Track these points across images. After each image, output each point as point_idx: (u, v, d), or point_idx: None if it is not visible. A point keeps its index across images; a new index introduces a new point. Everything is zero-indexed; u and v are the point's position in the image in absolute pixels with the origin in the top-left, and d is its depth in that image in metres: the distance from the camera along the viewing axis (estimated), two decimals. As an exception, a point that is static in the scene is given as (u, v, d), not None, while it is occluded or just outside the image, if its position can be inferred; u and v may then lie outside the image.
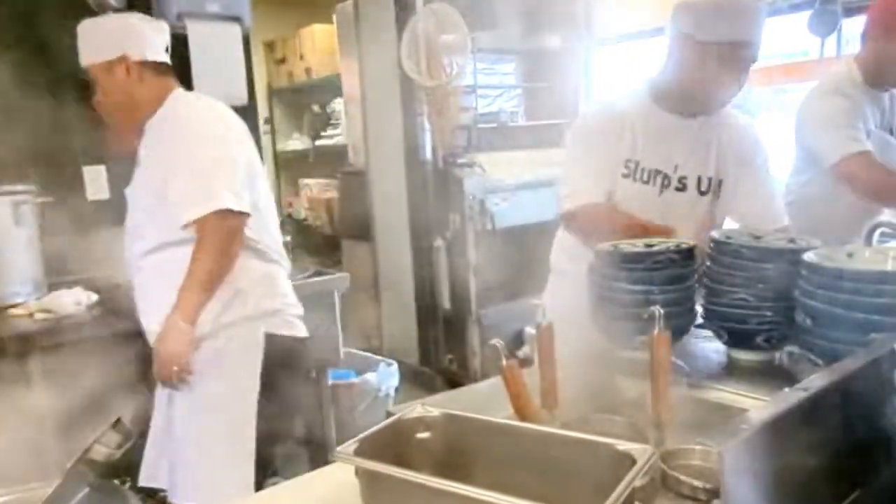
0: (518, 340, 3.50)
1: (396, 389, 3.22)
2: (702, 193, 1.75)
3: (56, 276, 2.36)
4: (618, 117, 1.74)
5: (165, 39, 1.90)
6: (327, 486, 1.05)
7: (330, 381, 2.77)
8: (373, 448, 0.87)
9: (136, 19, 1.88)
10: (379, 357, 3.37)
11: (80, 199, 1.91)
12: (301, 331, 1.97)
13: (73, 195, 1.94)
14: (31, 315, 2.05)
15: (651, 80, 1.77)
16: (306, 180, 4.89)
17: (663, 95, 1.72)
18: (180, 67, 2.47)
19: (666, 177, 1.73)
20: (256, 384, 1.82)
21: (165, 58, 1.89)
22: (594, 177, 1.72)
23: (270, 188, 2.05)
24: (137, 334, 2.16)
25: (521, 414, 1.01)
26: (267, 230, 1.90)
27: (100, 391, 2.12)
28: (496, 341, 0.99)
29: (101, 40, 1.83)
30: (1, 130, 1.98)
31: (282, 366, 1.88)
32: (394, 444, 0.91)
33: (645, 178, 1.72)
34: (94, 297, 2.18)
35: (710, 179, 1.75)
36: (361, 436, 0.88)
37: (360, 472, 0.84)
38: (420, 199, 3.80)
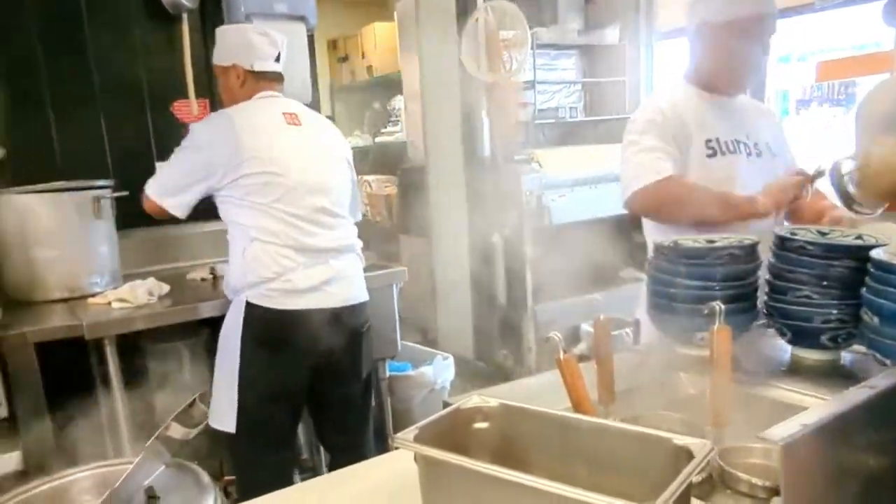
0: (574, 337, 3.49)
1: (451, 383, 3.26)
2: (772, 156, 1.91)
3: (130, 267, 2.48)
4: (674, 107, 1.87)
5: (276, 50, 2.15)
6: (388, 472, 1.09)
7: (387, 373, 2.83)
8: (431, 436, 0.89)
9: (252, 33, 2.15)
10: (435, 350, 3.41)
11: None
12: (286, 305, 2.04)
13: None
14: (108, 304, 2.16)
15: (686, 75, 1.95)
16: (366, 177, 4.97)
17: (702, 83, 1.90)
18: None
19: (745, 144, 1.88)
20: (237, 345, 2.02)
21: (273, 66, 2.15)
22: (663, 160, 1.81)
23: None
24: (202, 322, 2.26)
25: (578, 407, 1.02)
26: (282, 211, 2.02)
27: (169, 375, 2.23)
28: (554, 334, 1.00)
29: (221, 48, 2.17)
30: (81, 129, 2.10)
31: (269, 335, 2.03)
32: (451, 433, 0.93)
33: (731, 147, 1.85)
34: (166, 288, 2.28)
35: (767, 144, 1.91)
36: (421, 423, 0.91)
37: (419, 458, 0.87)
38: (478, 195, 3.82)
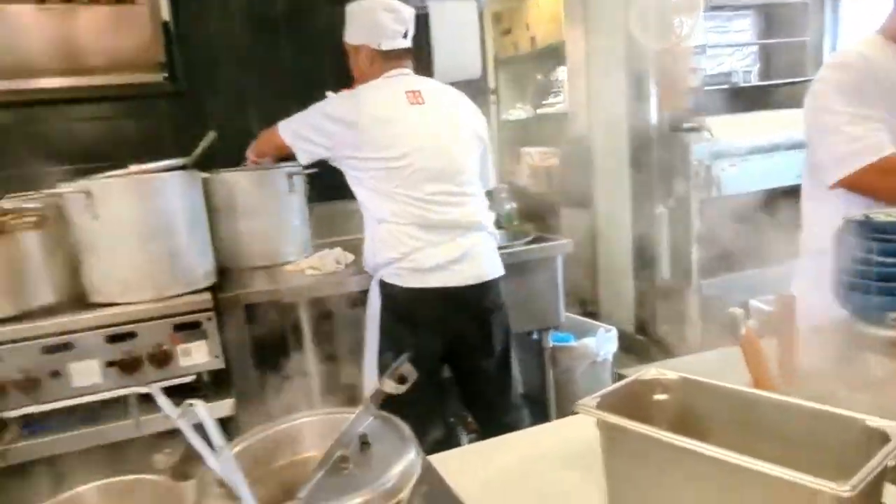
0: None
1: (614, 355, 3.26)
2: None
3: (319, 238, 2.73)
4: (869, 64, 1.67)
5: (404, 27, 2.18)
6: (563, 437, 1.16)
7: (550, 343, 2.90)
8: (611, 404, 0.94)
9: (380, 11, 2.17)
10: (598, 323, 3.43)
11: (336, 170, 2.20)
12: (413, 283, 2.12)
13: (331, 166, 2.23)
14: (302, 271, 2.40)
15: (882, 29, 1.73)
16: (527, 148, 5.01)
17: None
18: (421, 45, 2.70)
19: None
20: (376, 321, 2.18)
21: (402, 44, 2.18)
22: (880, 130, 1.64)
23: (459, 158, 2.20)
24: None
25: (759, 384, 1.03)
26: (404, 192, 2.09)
27: (353, 336, 2.43)
28: (734, 309, 1.01)
29: (351, 27, 2.23)
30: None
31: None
32: (631, 403, 0.98)
33: None
34: (351, 257, 2.49)
35: None
36: (601, 392, 0.97)
37: (601, 425, 0.93)
38: (643, 166, 3.74)
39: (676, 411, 0.99)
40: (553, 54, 4.54)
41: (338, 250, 2.47)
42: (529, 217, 4.68)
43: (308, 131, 2.18)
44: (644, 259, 3.87)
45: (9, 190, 2.18)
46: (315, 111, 2.18)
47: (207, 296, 2.12)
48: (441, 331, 2.14)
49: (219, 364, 2.15)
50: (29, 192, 2.17)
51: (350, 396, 2.32)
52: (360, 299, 2.50)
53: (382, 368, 2.17)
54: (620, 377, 1.07)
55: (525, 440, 1.20)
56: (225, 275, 2.39)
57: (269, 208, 2.50)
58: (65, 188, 1.95)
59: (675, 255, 3.69)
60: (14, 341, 1.90)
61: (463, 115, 2.24)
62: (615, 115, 3.85)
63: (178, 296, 2.09)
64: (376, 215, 2.13)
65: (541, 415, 2.98)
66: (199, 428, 0.89)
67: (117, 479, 1.00)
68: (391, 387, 0.94)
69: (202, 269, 2.20)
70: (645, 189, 3.76)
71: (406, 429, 1.03)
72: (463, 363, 2.27)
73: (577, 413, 0.93)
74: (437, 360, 2.23)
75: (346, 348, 2.68)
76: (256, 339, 2.26)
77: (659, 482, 0.87)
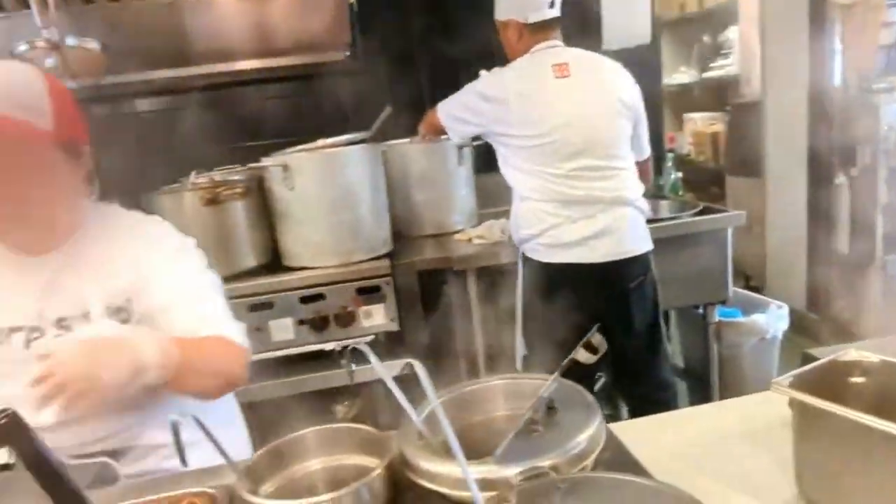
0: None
1: (784, 334, 3.11)
2: None
3: (484, 208, 2.82)
4: None
5: None
6: (747, 414, 1.16)
7: (716, 318, 2.82)
8: (805, 384, 0.94)
9: None
10: (768, 299, 3.27)
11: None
12: (551, 258, 2.14)
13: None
14: (469, 240, 2.51)
15: None
16: (690, 114, 4.81)
17: None
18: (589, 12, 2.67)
19: None
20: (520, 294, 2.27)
21: (549, 14, 2.17)
22: None
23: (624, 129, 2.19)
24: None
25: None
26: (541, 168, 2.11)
27: (523, 304, 2.49)
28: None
29: (499, 2, 2.24)
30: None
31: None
32: (824, 384, 0.96)
33: None
34: (516, 226, 2.55)
35: None
36: (795, 372, 0.96)
37: (795, 405, 0.93)
38: (822, 131, 3.49)
39: (875, 396, 0.97)
40: (723, 14, 4.30)
41: (503, 220, 2.54)
42: (691, 186, 4.52)
43: (461, 111, 2.26)
44: (819, 232, 3.63)
45: (217, 165, 2.45)
46: (468, 90, 2.25)
47: (386, 262, 2.28)
48: (579, 306, 2.12)
49: (394, 326, 2.32)
50: (234, 166, 2.43)
51: (511, 362, 2.41)
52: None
53: (526, 339, 2.23)
54: (809, 358, 1.06)
55: (707, 415, 1.21)
56: (399, 242, 2.54)
57: (439, 179, 2.62)
58: (266, 161, 2.17)
59: (857, 228, 3.43)
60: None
61: (612, 85, 2.19)
62: (793, 76, 3.60)
63: (361, 262, 2.27)
64: (519, 192, 2.18)
65: (702, 391, 2.92)
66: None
67: (332, 426, 1.14)
68: (584, 356, 1.00)
69: (381, 236, 2.36)
70: (823, 156, 3.51)
71: (589, 396, 1.09)
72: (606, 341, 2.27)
73: (758, 392, 0.93)
74: (577, 340, 2.24)
75: (507, 316, 2.77)
76: (426, 303, 2.39)
77: (855, 468, 0.86)
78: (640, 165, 2.30)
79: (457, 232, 2.62)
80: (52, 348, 1.08)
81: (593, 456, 0.98)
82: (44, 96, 1.15)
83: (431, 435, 1.04)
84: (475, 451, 0.97)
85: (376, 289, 2.26)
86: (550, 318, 2.06)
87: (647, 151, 2.37)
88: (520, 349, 2.30)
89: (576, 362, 1.06)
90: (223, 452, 0.96)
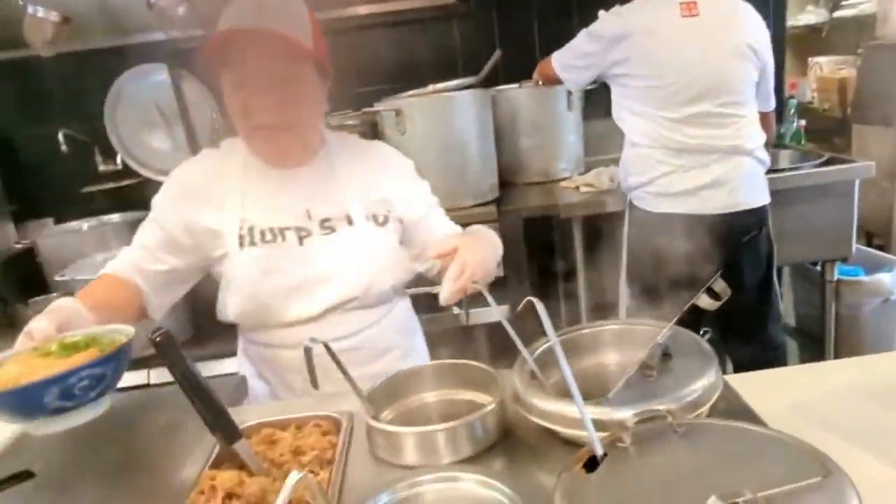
0: None
1: (911, 296, 2.92)
2: None
3: (591, 155, 2.77)
4: None
5: None
6: (876, 372, 1.12)
7: (835, 276, 2.68)
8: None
9: None
10: (892, 257, 3.07)
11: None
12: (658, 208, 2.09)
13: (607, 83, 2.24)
14: (577, 188, 2.48)
15: None
16: (816, 58, 4.47)
17: None
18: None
19: None
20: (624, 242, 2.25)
21: None
22: None
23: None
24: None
25: None
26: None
27: (629, 253, 2.45)
28: None
29: None
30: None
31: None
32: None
33: None
34: (624, 175, 2.50)
35: None
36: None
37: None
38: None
39: None
40: (862, -54, 3.94)
41: (612, 168, 2.49)
42: (812, 136, 4.25)
43: (575, 59, 2.21)
44: (960, 187, 3.33)
45: (331, 111, 2.51)
46: (583, 34, 2.19)
47: (493, 208, 2.30)
48: (686, 258, 2.08)
49: (498, 272, 2.33)
50: (347, 111, 2.49)
51: (614, 312, 2.39)
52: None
53: (631, 289, 2.20)
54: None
55: (829, 371, 1.18)
56: (505, 189, 2.54)
57: (547, 125, 2.59)
58: (379, 106, 2.22)
59: None
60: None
61: (740, 28, 2.07)
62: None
63: (468, 207, 2.29)
64: (630, 138, 2.13)
65: (815, 352, 2.80)
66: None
67: (447, 361, 1.18)
68: (706, 302, 0.99)
69: (488, 182, 2.38)
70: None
71: (706, 345, 1.07)
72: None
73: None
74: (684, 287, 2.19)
75: (612, 265, 2.74)
76: (531, 251, 2.40)
77: None
78: (763, 117, 2.18)
79: (563, 179, 2.60)
80: (455, 243, 1.20)
81: (708, 405, 0.97)
82: (305, 16, 1.28)
83: (543, 375, 1.07)
84: (586, 394, 0.98)
85: (482, 234, 2.28)
86: (656, 268, 2.03)
87: (772, 102, 2.26)
88: (624, 298, 2.28)
89: (691, 311, 1.05)
90: (350, 379, 1.02)
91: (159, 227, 1.33)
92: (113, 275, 1.30)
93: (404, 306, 1.51)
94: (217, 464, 1.01)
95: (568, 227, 2.44)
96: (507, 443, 1.02)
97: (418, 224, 1.43)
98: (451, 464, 0.95)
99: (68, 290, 2.35)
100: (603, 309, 2.44)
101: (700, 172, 2.03)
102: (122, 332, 1.04)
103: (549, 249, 2.67)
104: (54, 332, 1.03)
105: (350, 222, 1.36)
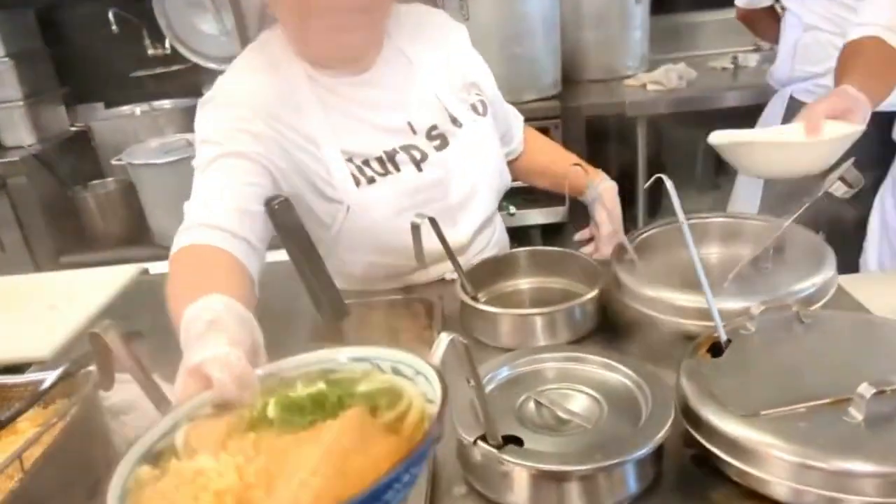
0: None
1: None
2: None
3: (657, 53, 2.64)
4: None
5: None
6: None
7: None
8: None
9: None
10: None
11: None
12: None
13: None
14: (643, 86, 2.37)
15: None
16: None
17: None
18: None
19: None
20: None
21: None
22: None
23: None
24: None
25: None
26: None
27: (689, 159, 2.38)
28: None
29: None
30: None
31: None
32: None
33: None
34: (694, 74, 2.38)
35: None
36: None
37: None
38: None
39: None
40: None
41: (682, 66, 2.38)
42: None
43: None
44: None
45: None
46: None
47: (555, 104, 2.22)
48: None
49: (557, 171, 2.28)
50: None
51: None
52: (700, 119, 2.40)
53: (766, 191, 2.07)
54: None
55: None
56: (567, 85, 2.44)
57: (613, 18, 2.45)
58: (443, -10, 2.11)
59: None
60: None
61: None
62: None
63: (531, 101, 2.22)
64: (803, 18, 1.90)
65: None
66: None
67: (544, 248, 1.16)
68: (841, 190, 0.94)
69: (551, 76, 2.29)
70: None
71: (824, 245, 1.03)
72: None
73: None
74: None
75: (678, 167, 2.67)
76: (592, 149, 2.33)
77: None
78: None
79: (627, 77, 2.48)
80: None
81: (823, 301, 0.94)
82: None
83: (644, 263, 1.04)
84: (690, 284, 0.95)
85: (543, 131, 2.20)
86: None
87: None
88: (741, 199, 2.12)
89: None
90: (453, 258, 1.00)
91: (241, 160, 0.97)
92: (204, 246, 0.88)
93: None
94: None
95: (631, 126, 2.36)
96: (604, 332, 1.01)
97: (494, 104, 1.22)
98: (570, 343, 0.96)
99: (124, 175, 2.35)
100: (664, 214, 2.38)
101: None
102: (374, 361, 0.58)
103: (610, 149, 2.59)
104: (248, 377, 0.57)
105: (456, 123, 1.13)
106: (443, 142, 1.12)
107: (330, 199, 1.05)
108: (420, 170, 1.09)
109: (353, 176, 1.05)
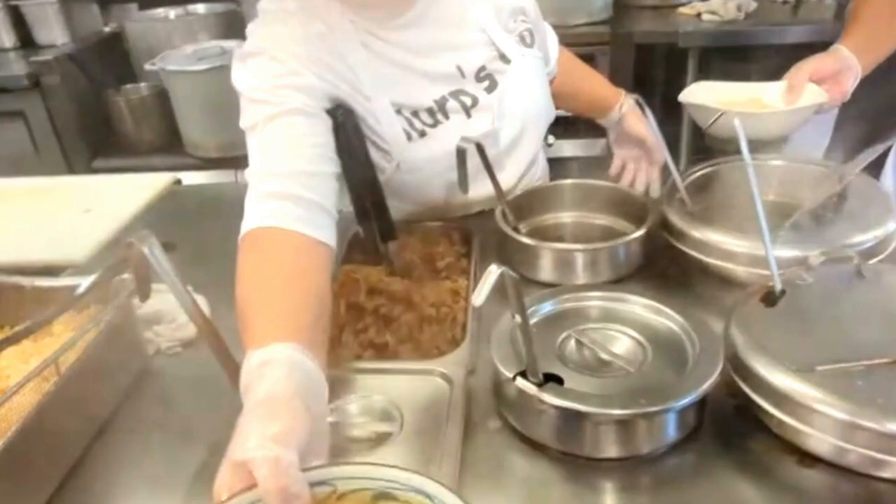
0: None
1: None
2: None
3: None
4: None
5: None
6: None
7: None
8: None
9: None
10: None
11: None
12: None
13: None
14: (698, 15, 2.24)
15: None
16: None
17: None
18: None
19: None
20: None
21: None
22: None
23: None
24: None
25: None
26: None
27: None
28: None
29: None
30: None
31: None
32: None
33: None
34: (753, 5, 2.25)
35: None
36: None
37: None
38: None
39: None
40: None
41: (745, -5, 2.24)
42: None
43: None
44: None
45: None
46: None
47: (605, 29, 2.12)
48: None
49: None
50: None
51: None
52: (757, 55, 2.27)
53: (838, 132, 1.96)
54: None
55: None
56: (617, 9, 2.32)
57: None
58: None
59: None
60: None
61: None
62: None
63: (578, 25, 2.11)
64: None
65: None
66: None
67: (590, 181, 1.12)
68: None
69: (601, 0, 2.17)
70: None
71: (888, 196, 0.98)
72: None
73: None
74: None
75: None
76: (639, 80, 2.23)
77: None
78: None
79: (681, 5, 2.35)
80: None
81: (883, 255, 0.90)
82: None
83: (695, 203, 0.99)
84: (742, 228, 0.91)
85: (590, 57, 2.11)
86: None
87: None
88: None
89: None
90: (497, 185, 0.96)
91: (298, 117, 0.87)
92: (274, 230, 0.78)
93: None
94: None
95: (682, 59, 2.24)
96: (648, 274, 0.97)
97: (537, 28, 1.13)
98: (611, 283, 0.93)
99: (157, 81, 2.30)
100: (708, 155, 2.30)
101: None
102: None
103: (656, 82, 2.48)
104: (296, 486, 0.48)
105: (505, 59, 1.05)
106: (492, 83, 1.05)
107: (380, 148, 1.00)
108: (469, 116, 1.03)
109: (405, 131, 0.99)
